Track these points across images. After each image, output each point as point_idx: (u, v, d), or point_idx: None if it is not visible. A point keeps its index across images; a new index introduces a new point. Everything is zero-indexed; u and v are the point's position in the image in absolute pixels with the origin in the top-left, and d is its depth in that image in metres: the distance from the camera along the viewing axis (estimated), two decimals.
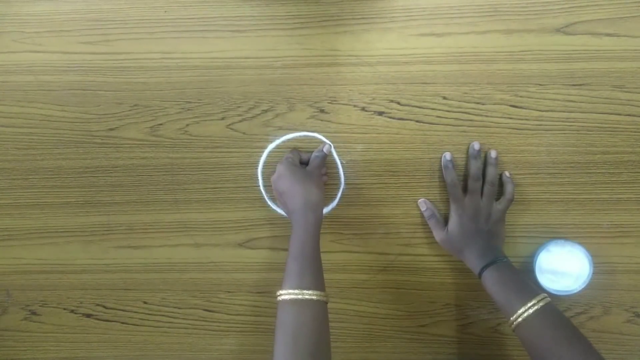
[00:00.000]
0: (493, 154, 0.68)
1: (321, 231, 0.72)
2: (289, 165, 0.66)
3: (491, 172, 0.68)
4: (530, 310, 0.58)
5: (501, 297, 0.61)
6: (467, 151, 0.69)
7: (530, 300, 0.59)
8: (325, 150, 0.69)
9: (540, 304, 0.58)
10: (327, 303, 0.59)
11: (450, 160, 0.69)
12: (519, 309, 0.59)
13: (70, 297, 0.77)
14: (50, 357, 0.79)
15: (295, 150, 0.70)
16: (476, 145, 0.68)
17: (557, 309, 0.59)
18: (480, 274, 0.64)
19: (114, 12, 0.70)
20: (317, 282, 0.59)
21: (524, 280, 0.62)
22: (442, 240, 0.69)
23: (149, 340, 0.77)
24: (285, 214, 0.70)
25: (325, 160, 0.70)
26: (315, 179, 0.66)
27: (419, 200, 0.71)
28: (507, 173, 0.69)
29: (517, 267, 0.65)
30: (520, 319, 0.58)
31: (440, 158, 0.70)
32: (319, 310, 0.57)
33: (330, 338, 0.58)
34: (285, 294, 0.57)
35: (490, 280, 0.63)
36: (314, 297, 0.57)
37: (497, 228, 0.68)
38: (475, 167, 0.68)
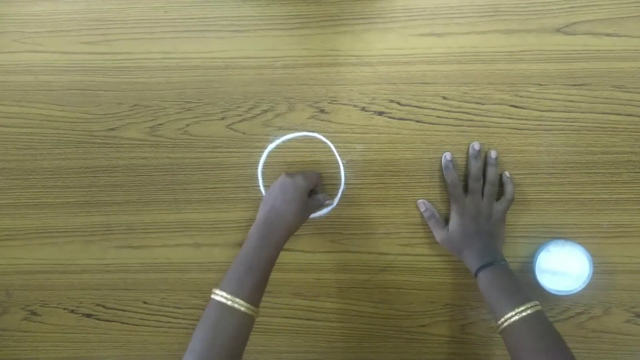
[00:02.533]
0: (493, 154, 0.68)
1: (321, 231, 0.73)
2: (305, 188, 0.65)
3: (492, 172, 0.68)
4: (518, 316, 0.58)
5: (492, 299, 0.61)
6: (467, 151, 0.69)
7: (520, 306, 0.58)
8: (326, 203, 0.71)
9: (529, 311, 0.58)
10: (255, 318, 0.59)
11: (451, 160, 0.69)
12: (508, 312, 0.58)
13: (71, 297, 0.77)
14: (50, 357, 0.79)
15: (319, 175, 0.70)
16: (476, 146, 0.68)
17: (545, 318, 0.59)
18: (476, 274, 0.64)
19: (114, 12, 0.70)
20: (255, 296, 0.59)
21: (518, 285, 0.62)
22: (443, 240, 0.69)
23: (149, 340, 0.77)
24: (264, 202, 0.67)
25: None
26: (307, 214, 0.68)
27: (418, 201, 0.71)
28: (507, 173, 0.69)
29: (514, 271, 0.65)
30: (506, 323, 0.58)
31: (441, 158, 0.70)
32: (245, 322, 0.57)
33: (243, 352, 0.58)
34: (220, 296, 0.57)
35: (485, 281, 0.63)
36: (246, 310, 0.57)
37: (497, 229, 0.68)
38: (475, 167, 0.68)
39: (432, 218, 0.70)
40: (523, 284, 0.63)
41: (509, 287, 0.62)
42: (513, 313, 0.58)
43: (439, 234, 0.70)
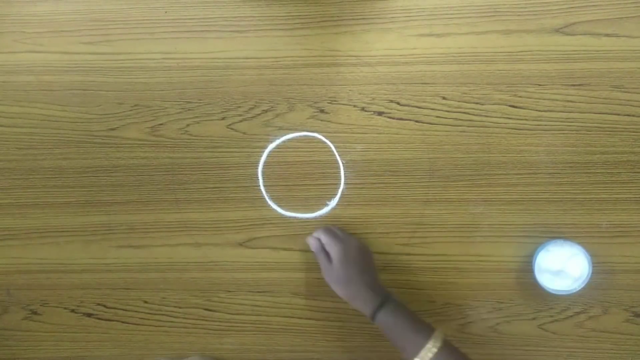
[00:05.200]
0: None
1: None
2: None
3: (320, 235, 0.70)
4: (431, 354, 0.59)
5: (398, 341, 0.62)
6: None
7: (427, 342, 0.60)
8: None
9: (438, 344, 0.60)
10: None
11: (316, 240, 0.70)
12: (419, 353, 0.60)
13: (71, 297, 0.77)
14: (50, 357, 0.79)
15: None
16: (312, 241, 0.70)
17: (451, 346, 0.61)
18: (374, 317, 0.64)
19: (114, 13, 0.71)
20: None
21: (416, 319, 0.63)
22: (330, 278, 0.68)
23: (150, 339, 0.77)
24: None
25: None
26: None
27: (309, 240, 0.70)
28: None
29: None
30: None
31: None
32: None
33: None
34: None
35: (386, 323, 0.63)
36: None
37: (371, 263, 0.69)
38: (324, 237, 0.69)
39: (320, 253, 0.69)
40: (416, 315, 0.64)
41: (410, 325, 0.62)
42: (425, 352, 0.59)
43: (325, 272, 0.68)
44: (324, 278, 0.68)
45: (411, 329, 0.62)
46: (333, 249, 0.67)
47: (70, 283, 0.76)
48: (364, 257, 0.68)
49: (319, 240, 0.69)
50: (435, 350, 0.59)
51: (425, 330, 0.62)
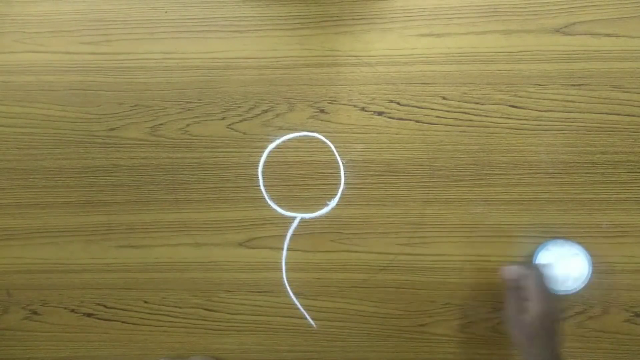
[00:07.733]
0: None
1: (321, 231, 0.73)
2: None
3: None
4: None
5: None
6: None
7: None
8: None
9: None
10: None
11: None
12: None
13: (71, 297, 0.77)
14: (50, 357, 0.79)
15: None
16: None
17: None
18: None
19: (115, 13, 0.71)
20: None
21: None
22: (517, 324, 0.63)
23: (150, 339, 0.77)
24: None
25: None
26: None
27: (506, 269, 0.65)
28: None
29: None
30: None
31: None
32: None
33: None
34: None
35: None
36: None
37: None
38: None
39: (515, 292, 0.64)
40: None
41: None
42: None
43: (514, 316, 0.63)
44: (507, 321, 0.64)
45: None
46: (535, 302, 0.61)
47: (70, 283, 0.77)
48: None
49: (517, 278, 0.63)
50: None
51: None
